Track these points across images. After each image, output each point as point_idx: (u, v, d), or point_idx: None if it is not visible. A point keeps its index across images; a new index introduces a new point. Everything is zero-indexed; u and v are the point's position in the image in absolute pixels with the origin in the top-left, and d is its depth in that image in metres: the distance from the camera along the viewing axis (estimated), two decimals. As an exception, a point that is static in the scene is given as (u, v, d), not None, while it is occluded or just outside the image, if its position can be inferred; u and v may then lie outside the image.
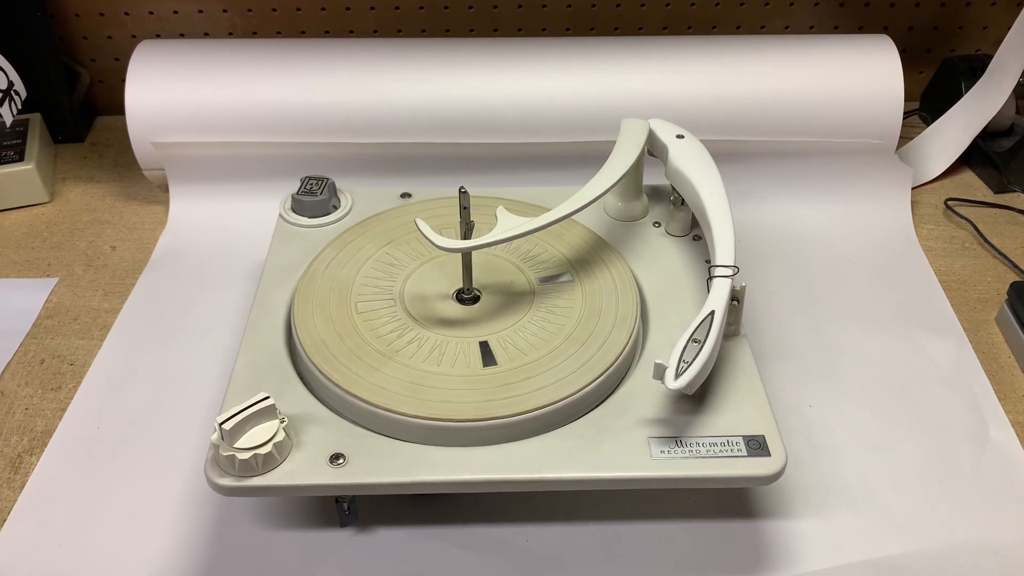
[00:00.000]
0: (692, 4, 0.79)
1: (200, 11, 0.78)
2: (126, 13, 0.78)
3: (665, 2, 0.78)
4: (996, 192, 0.73)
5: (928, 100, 0.81)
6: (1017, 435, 0.52)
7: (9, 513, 0.48)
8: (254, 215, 0.66)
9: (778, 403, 0.53)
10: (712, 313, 0.44)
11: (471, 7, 0.78)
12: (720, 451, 0.42)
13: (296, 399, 0.45)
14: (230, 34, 0.80)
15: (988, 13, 0.80)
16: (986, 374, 0.56)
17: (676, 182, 0.55)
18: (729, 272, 0.47)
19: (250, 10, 0.78)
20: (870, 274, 0.64)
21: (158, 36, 0.79)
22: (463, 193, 0.48)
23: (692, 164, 0.54)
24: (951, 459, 0.51)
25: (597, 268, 0.53)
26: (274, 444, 0.41)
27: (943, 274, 0.64)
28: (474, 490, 0.42)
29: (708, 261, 0.53)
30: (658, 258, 0.55)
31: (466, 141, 0.68)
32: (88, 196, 0.73)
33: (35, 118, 0.76)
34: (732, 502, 0.48)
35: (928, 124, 0.75)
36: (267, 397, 0.41)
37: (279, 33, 0.79)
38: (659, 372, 0.42)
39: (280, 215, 0.58)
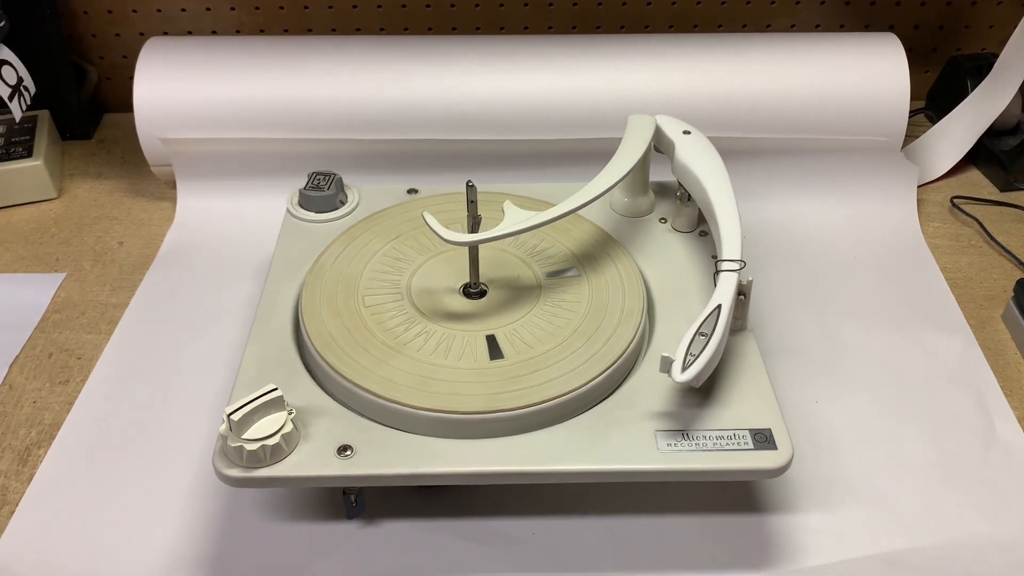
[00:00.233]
0: (698, 2, 0.79)
1: (208, 9, 0.78)
2: (134, 11, 0.79)
3: (671, 0, 0.79)
4: (1002, 190, 0.73)
5: (934, 99, 0.81)
6: (1023, 431, 0.52)
7: (17, 505, 0.48)
8: (261, 211, 0.66)
9: (784, 399, 0.53)
10: (719, 307, 0.44)
11: (477, 5, 0.78)
12: (727, 444, 0.42)
13: (304, 391, 0.45)
14: (237, 32, 0.80)
15: (994, 12, 0.80)
16: (992, 371, 0.56)
17: (682, 178, 0.55)
18: (736, 266, 0.47)
19: (257, 8, 0.78)
20: (876, 271, 0.64)
21: (165, 33, 0.79)
22: (470, 187, 0.48)
23: (699, 160, 0.54)
24: (957, 454, 0.51)
25: (603, 263, 0.53)
26: (282, 435, 0.41)
27: (949, 271, 0.64)
28: (481, 482, 0.42)
29: (714, 256, 0.53)
30: (664, 253, 0.55)
31: (472, 138, 0.68)
32: (96, 192, 0.73)
33: (43, 115, 0.76)
34: (738, 496, 0.48)
35: (934, 123, 0.76)
36: (275, 388, 0.42)
37: (286, 31, 0.80)
38: (666, 365, 0.42)
39: (287, 210, 0.58)
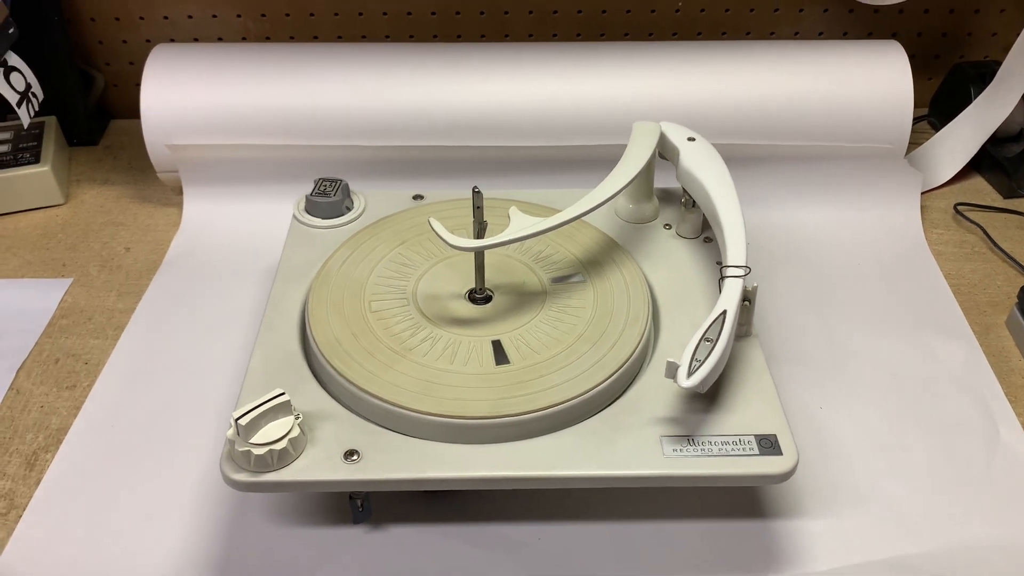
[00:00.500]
0: (702, 10, 0.79)
1: (214, 16, 0.79)
2: (141, 18, 0.79)
3: (675, 8, 0.79)
4: (1005, 197, 0.73)
5: (937, 106, 0.81)
6: (1028, 437, 0.52)
7: (25, 509, 0.48)
8: (267, 217, 0.66)
9: (789, 405, 0.53)
10: (724, 312, 0.44)
11: (482, 12, 0.79)
12: (732, 450, 0.43)
13: (310, 396, 0.45)
14: (243, 39, 0.80)
15: (997, 20, 0.80)
16: (996, 377, 0.56)
17: (687, 184, 0.55)
18: (741, 272, 0.47)
19: (263, 15, 0.79)
20: (880, 278, 0.64)
21: (172, 40, 0.80)
22: (476, 192, 0.49)
23: (703, 166, 0.54)
24: (962, 460, 0.51)
25: (608, 269, 0.53)
26: (289, 440, 0.41)
27: (953, 278, 0.65)
28: (487, 487, 0.42)
29: (719, 263, 0.53)
30: (669, 259, 0.55)
31: (478, 144, 0.68)
32: (102, 198, 0.73)
33: (50, 121, 0.76)
34: (743, 502, 0.48)
35: (937, 130, 0.76)
36: (282, 393, 0.42)
37: (292, 38, 0.80)
38: (671, 370, 0.42)
39: (294, 216, 0.58)
